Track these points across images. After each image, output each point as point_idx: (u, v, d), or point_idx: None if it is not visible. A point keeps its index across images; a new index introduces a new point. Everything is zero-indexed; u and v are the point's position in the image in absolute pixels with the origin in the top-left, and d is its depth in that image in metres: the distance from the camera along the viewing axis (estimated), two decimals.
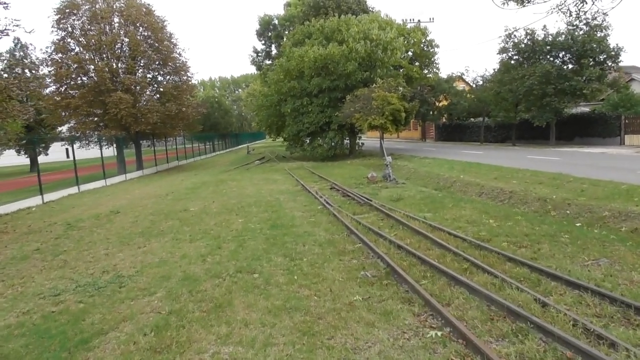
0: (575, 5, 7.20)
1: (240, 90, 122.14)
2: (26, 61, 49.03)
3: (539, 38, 30.87)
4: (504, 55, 33.23)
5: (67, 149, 39.78)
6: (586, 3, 7.23)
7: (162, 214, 13.31)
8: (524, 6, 7.16)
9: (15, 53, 51.47)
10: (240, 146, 72.23)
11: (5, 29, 13.54)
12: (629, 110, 30.09)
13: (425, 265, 6.91)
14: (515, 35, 32.03)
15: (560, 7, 7.22)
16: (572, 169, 16.34)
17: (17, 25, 13.88)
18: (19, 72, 49.31)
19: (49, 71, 28.20)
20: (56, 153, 44.64)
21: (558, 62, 30.46)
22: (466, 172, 19.82)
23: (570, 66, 29.93)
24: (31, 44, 39.62)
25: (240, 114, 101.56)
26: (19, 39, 51.24)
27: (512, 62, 33.12)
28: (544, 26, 34.80)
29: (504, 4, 7.10)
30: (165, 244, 9.59)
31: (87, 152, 37.32)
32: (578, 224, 9.44)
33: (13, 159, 57.70)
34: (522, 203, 12.70)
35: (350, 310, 5.49)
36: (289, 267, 7.31)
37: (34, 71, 40.28)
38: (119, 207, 15.28)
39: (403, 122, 28.56)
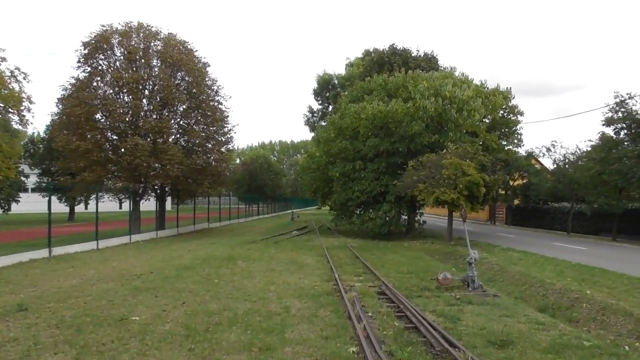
0: None
1: (299, 155, 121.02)
2: None
3: None
4: (612, 127, 26.49)
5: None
6: None
7: (77, 325, 7.61)
8: None
9: None
10: (288, 211, 67.36)
11: None
12: None
13: None
14: (628, 103, 25.49)
15: None
16: None
17: None
18: None
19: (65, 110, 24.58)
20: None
21: None
22: (588, 282, 12.99)
23: None
24: None
25: (296, 179, 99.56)
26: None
27: (621, 136, 26.36)
28: None
29: None
30: None
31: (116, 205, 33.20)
32: None
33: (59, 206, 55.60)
34: None
35: None
36: None
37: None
38: (43, 296, 9.84)
39: (481, 200, 22.07)
